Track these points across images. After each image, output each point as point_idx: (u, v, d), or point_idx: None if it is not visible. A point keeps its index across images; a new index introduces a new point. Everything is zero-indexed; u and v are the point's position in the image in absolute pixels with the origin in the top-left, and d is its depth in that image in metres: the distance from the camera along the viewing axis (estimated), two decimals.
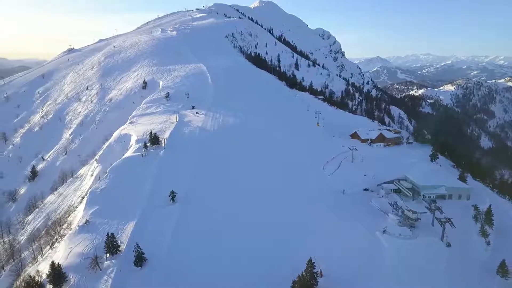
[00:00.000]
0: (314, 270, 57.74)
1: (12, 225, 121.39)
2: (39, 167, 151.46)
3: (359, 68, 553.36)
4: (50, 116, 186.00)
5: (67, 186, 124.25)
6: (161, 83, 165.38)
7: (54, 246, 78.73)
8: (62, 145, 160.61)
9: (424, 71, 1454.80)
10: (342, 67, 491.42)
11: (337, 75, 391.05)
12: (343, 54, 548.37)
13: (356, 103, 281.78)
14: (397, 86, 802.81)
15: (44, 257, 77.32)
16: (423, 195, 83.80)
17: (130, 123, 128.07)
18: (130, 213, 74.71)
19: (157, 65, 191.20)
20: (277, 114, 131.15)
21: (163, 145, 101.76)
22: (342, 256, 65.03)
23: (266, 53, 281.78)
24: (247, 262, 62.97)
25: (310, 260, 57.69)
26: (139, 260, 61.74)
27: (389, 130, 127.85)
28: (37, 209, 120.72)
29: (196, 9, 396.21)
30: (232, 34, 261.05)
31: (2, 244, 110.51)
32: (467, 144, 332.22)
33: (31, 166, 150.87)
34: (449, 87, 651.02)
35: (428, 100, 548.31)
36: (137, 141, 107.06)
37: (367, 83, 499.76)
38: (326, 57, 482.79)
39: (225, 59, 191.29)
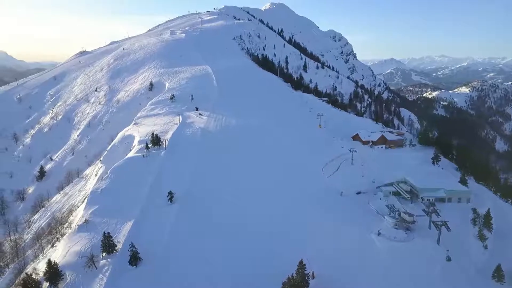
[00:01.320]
0: (306, 272, 57.69)
1: (19, 224, 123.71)
2: (47, 167, 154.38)
3: (371, 70, 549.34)
4: (60, 117, 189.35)
5: (72, 186, 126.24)
6: (167, 84, 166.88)
7: (54, 245, 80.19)
8: (69, 145, 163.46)
9: (439, 73, 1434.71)
10: (353, 69, 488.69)
11: (347, 77, 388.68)
12: (354, 56, 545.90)
13: (365, 105, 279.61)
14: (411, 88, 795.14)
15: (44, 255, 78.63)
16: (421, 197, 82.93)
17: (134, 124, 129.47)
18: (129, 212, 75.40)
19: (164, 67, 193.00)
20: (279, 116, 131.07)
21: (164, 146, 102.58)
22: (336, 258, 64.91)
23: (274, 55, 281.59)
24: (241, 262, 63.16)
25: (301, 262, 57.68)
26: (134, 259, 62.35)
27: (391, 132, 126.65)
28: (43, 208, 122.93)
29: (207, 11, 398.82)
30: (240, 36, 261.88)
31: (9, 242, 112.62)
32: (481, 147, 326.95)
33: (40, 166, 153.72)
34: (464, 89, 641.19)
35: (441, 103, 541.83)
36: (140, 142, 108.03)
37: (379, 85, 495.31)
38: (337, 59, 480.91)
39: (232, 61, 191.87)
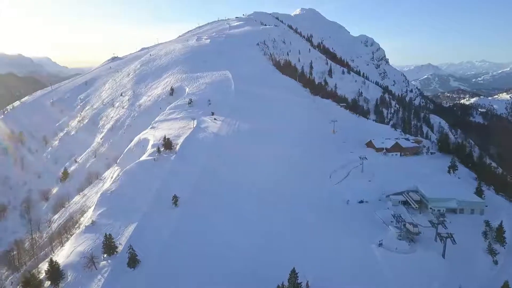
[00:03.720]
0: (299, 281, 56.26)
1: (41, 223, 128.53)
2: (71, 169, 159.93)
3: (404, 76, 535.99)
4: (86, 120, 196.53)
5: (91, 187, 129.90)
6: (187, 89, 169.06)
7: (64, 245, 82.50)
8: (93, 148, 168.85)
9: (479, 79, 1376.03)
10: (385, 75, 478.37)
11: (376, 82, 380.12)
12: (387, 61, 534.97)
13: (392, 111, 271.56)
14: (448, 95, 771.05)
15: (53, 255, 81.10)
16: (430, 208, 79.12)
17: (151, 128, 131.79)
18: (134, 215, 76.46)
19: (187, 72, 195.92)
20: (292, 121, 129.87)
21: (175, 150, 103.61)
22: (333, 268, 63.41)
23: (299, 60, 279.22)
24: (239, 269, 62.76)
25: (293, 271, 56.28)
26: (132, 262, 63.10)
27: (407, 139, 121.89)
28: (63, 208, 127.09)
29: (236, 17, 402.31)
30: (264, 41, 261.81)
31: (29, 240, 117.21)
32: None
33: (64, 167, 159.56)
34: (505, 96, 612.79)
35: (479, 109, 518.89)
36: (153, 146, 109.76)
37: (411, 90, 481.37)
38: (367, 64, 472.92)
39: (253, 66, 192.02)
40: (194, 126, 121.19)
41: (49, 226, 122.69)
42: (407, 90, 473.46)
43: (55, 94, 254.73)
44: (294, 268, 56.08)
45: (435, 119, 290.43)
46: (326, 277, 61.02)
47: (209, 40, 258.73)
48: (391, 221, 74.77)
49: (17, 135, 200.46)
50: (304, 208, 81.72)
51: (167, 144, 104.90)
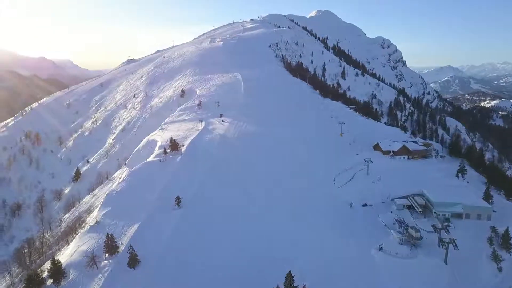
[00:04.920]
0: (296, 285, 55.81)
1: (53, 222, 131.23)
2: (83, 169, 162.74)
3: (422, 78, 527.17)
4: (100, 122, 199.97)
5: (101, 188, 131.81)
6: (197, 91, 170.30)
7: (70, 244, 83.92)
8: (105, 149, 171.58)
9: (501, 81, 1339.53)
10: (401, 77, 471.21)
11: (393, 85, 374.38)
12: (404, 63, 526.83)
13: (406, 114, 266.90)
14: (468, 97, 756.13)
15: (59, 253, 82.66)
16: (435, 212, 77.25)
17: (160, 129, 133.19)
18: (137, 215, 77.24)
19: (198, 74, 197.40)
20: (300, 123, 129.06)
21: (182, 151, 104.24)
22: (332, 271, 62.65)
23: (311, 62, 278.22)
24: (237, 270, 62.68)
25: (289, 274, 55.91)
26: (133, 261, 63.70)
27: (416, 142, 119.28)
28: (73, 208, 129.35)
29: (251, 19, 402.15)
30: (277, 43, 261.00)
31: (40, 239, 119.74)
32: None
33: (76, 168, 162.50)
34: None
35: (500, 112, 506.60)
36: (160, 147, 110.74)
37: (428, 93, 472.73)
38: (384, 66, 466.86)
39: (263, 69, 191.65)
40: (202, 127, 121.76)
41: (60, 225, 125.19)
42: (424, 93, 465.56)
43: (71, 96, 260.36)
44: (290, 271, 55.76)
45: (451, 122, 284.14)
46: (325, 280, 60.40)
47: (222, 43, 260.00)
48: (394, 225, 73.39)
49: (33, 136, 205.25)
50: (307, 211, 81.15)
51: (174, 145, 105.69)
